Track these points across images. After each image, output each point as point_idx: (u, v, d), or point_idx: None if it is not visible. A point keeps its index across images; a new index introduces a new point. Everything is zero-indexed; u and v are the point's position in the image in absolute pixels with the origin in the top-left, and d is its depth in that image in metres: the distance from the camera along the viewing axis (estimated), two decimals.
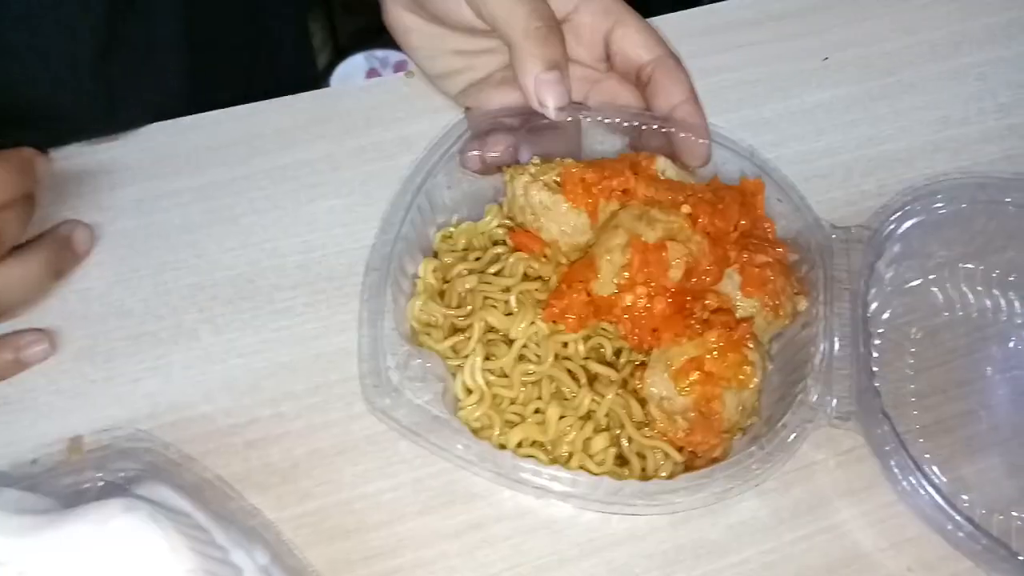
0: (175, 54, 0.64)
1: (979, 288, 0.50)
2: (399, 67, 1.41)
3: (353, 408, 0.48)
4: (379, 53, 1.51)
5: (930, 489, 0.41)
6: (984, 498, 0.45)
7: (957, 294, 0.49)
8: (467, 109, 0.57)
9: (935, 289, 0.49)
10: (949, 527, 0.41)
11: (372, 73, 1.41)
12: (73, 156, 0.57)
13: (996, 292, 0.49)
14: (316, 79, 0.94)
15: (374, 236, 0.54)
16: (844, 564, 0.43)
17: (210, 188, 0.57)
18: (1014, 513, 0.45)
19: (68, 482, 0.38)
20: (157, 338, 0.50)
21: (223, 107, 0.60)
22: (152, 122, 0.59)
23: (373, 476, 0.46)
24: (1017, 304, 0.49)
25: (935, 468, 0.44)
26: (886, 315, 0.47)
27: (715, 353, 0.40)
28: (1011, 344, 0.48)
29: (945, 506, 0.41)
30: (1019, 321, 0.49)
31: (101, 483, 0.38)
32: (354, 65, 1.48)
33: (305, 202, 0.56)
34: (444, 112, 0.60)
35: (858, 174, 0.58)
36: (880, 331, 0.43)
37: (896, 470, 0.42)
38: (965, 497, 0.45)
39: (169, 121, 0.60)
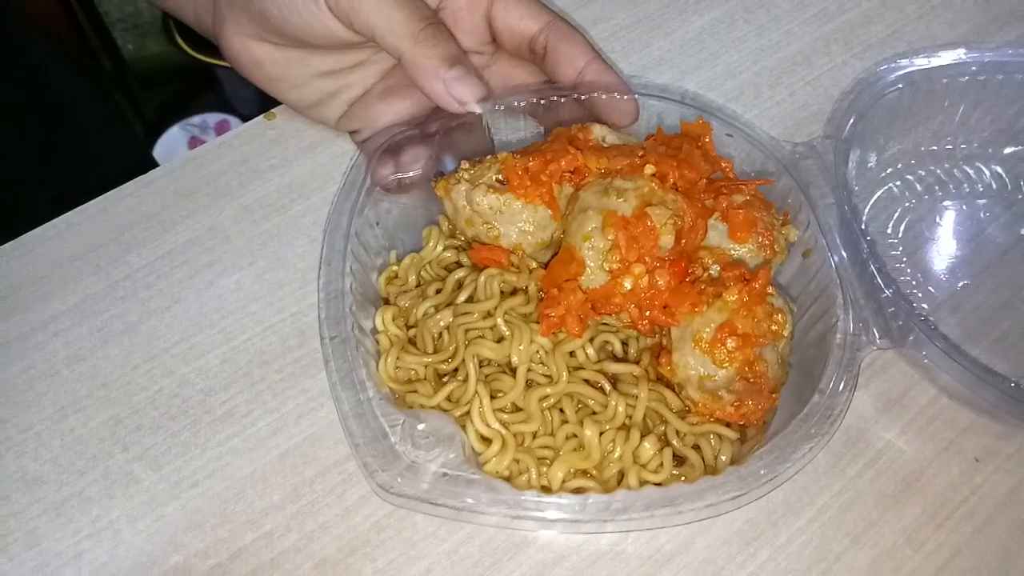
0: None
1: (932, 167, 0.49)
2: (221, 127, 1.33)
3: (347, 499, 0.41)
4: (194, 119, 1.41)
5: (978, 370, 0.39)
6: (1010, 367, 0.44)
7: (911, 179, 0.48)
8: (353, 133, 0.51)
9: (894, 183, 0.48)
10: (997, 401, 0.40)
11: (194, 141, 1.31)
12: None
13: (948, 166, 0.49)
14: (148, 160, 0.84)
15: (296, 301, 0.48)
16: (916, 476, 0.41)
17: (89, 302, 0.48)
18: None
19: None
20: (85, 498, 0.42)
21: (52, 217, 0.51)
22: None
23: (399, 565, 0.40)
24: (971, 172, 0.49)
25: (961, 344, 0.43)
26: (864, 217, 0.45)
27: (743, 311, 0.36)
28: (979, 212, 0.48)
29: (990, 380, 0.39)
30: (979, 188, 0.49)
31: None
32: (172, 138, 1.37)
33: (205, 286, 0.48)
34: (323, 146, 0.54)
35: (766, 87, 0.57)
36: (868, 239, 0.41)
37: (937, 364, 0.39)
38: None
39: (7, 244, 0.50)
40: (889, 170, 0.48)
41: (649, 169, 0.39)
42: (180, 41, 1.50)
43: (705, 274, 0.38)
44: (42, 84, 0.68)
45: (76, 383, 0.45)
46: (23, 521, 0.41)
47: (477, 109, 0.44)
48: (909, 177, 0.48)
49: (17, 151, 0.65)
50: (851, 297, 0.39)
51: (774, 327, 0.36)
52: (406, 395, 0.40)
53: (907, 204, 0.49)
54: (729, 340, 0.36)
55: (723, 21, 0.60)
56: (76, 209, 0.52)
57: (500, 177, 0.41)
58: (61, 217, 0.51)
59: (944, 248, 0.48)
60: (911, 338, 0.40)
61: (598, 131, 0.43)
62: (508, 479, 0.37)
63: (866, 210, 0.46)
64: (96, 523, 0.41)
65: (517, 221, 0.41)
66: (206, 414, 0.44)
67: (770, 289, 0.37)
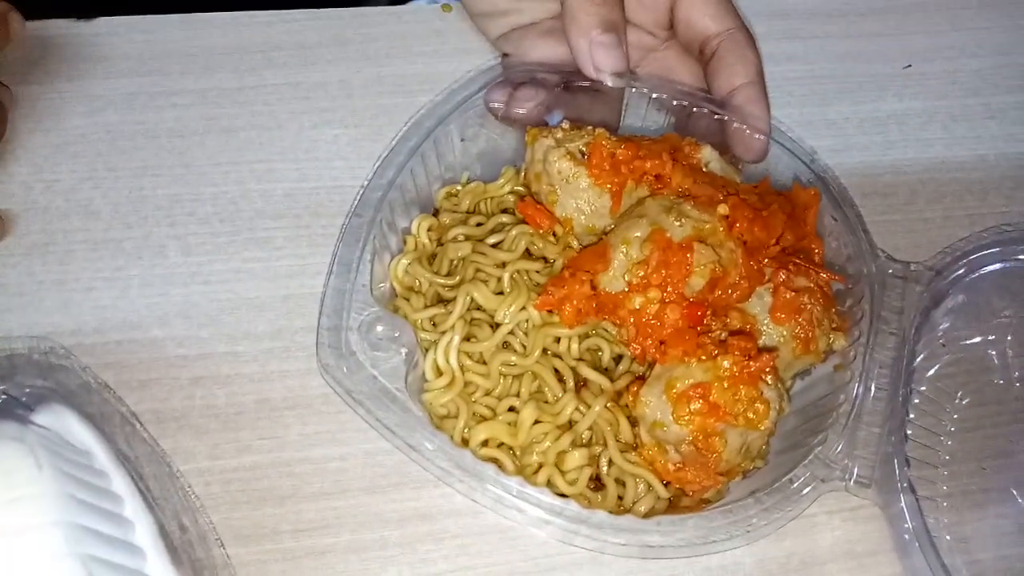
0: None
1: None
2: None
3: (314, 362, 0.43)
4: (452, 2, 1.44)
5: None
6: None
7: (1017, 361, 0.43)
8: (504, 56, 0.51)
9: (992, 351, 0.43)
10: None
11: None
12: (64, 37, 0.52)
13: None
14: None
15: None
16: None
17: (214, 94, 0.52)
18: None
19: None
20: (120, 248, 0.46)
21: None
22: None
23: (321, 440, 0.41)
24: None
25: (954, 549, 0.39)
26: (932, 370, 0.41)
27: (726, 383, 0.34)
28: None
29: None
30: None
31: (1, 397, 0.33)
32: (416, 9, 1.42)
33: (309, 127, 0.51)
34: (476, 55, 0.54)
35: (923, 199, 0.52)
36: (922, 388, 0.37)
37: (912, 546, 0.36)
38: None
39: (182, 15, 0.55)
40: (992, 337, 0.43)
41: (722, 210, 0.37)
42: None
43: (718, 332, 0.36)
44: None
45: (166, 152, 0.49)
46: (67, 241, 0.46)
47: (609, 81, 0.43)
48: (1010, 353, 0.43)
49: None
50: (850, 430, 0.35)
51: (751, 415, 0.34)
52: (400, 298, 0.41)
53: (999, 381, 0.43)
54: (696, 402, 0.34)
55: (921, 116, 0.55)
56: (247, 11, 0.55)
57: (585, 150, 0.40)
58: (235, 12, 0.55)
59: (1009, 445, 0.43)
60: (901, 504, 0.36)
61: (706, 154, 0.42)
62: (438, 418, 0.38)
63: (938, 364, 0.41)
64: (116, 272, 0.45)
65: (578, 197, 0.40)
66: (248, 231, 0.47)
67: (769, 380, 0.35)
